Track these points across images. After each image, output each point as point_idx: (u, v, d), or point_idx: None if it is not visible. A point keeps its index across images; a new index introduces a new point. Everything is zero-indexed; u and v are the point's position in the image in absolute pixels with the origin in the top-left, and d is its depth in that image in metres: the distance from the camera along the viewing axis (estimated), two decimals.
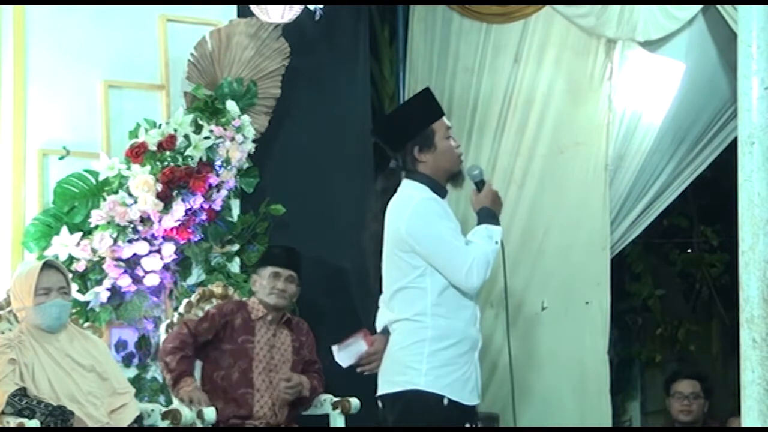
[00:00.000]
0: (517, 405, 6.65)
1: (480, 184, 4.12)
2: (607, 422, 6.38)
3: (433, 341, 3.91)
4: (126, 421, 4.84)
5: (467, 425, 3.96)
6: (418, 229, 3.90)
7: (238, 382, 5.29)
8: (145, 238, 5.52)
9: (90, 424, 4.69)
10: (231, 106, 5.78)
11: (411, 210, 3.93)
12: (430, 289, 3.92)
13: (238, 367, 5.30)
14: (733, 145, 3.89)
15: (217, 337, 5.34)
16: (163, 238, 5.57)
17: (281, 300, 5.38)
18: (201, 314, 5.47)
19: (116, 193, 5.48)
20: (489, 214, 4.02)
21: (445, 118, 4.09)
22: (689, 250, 8.20)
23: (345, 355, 4.12)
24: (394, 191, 4.05)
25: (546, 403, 6.56)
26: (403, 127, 4.06)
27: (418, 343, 3.91)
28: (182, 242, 5.65)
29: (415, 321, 3.93)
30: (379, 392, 4.04)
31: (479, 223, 4.04)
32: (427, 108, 4.09)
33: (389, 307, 4.02)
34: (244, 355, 5.32)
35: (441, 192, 4.02)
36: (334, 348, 4.16)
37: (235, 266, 5.91)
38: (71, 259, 5.39)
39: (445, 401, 3.89)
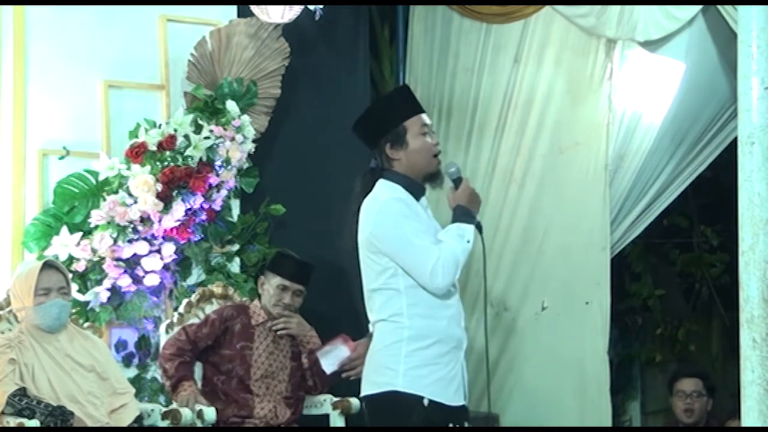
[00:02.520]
0: (517, 405, 6.68)
1: (457, 182, 4.04)
2: (607, 422, 6.38)
3: (410, 341, 3.85)
4: (126, 421, 4.85)
5: (450, 426, 3.90)
6: (382, 230, 3.86)
7: (237, 387, 5.29)
8: (145, 238, 5.52)
9: (90, 424, 4.70)
10: (231, 106, 5.78)
11: (376, 211, 3.88)
12: (404, 290, 3.86)
13: (236, 373, 5.30)
14: (733, 145, 3.89)
15: (217, 343, 5.35)
16: (163, 238, 5.57)
17: (285, 313, 5.39)
18: (201, 315, 5.47)
19: (116, 193, 5.48)
20: (463, 212, 3.94)
21: (424, 116, 3.99)
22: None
23: (327, 361, 4.11)
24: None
25: (546, 403, 6.56)
26: (376, 123, 4.00)
27: (395, 344, 3.86)
28: (182, 242, 5.65)
29: (392, 322, 3.88)
30: (362, 393, 4.00)
31: (453, 221, 3.97)
32: (401, 104, 4.01)
33: (369, 308, 3.99)
34: (243, 361, 5.32)
35: (417, 190, 3.96)
36: (318, 354, 4.18)
37: (235, 266, 5.91)
38: (71, 259, 5.39)
39: (426, 401, 3.83)
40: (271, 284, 5.42)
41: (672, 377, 6.03)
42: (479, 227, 3.98)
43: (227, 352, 5.33)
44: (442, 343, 3.88)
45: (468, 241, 3.88)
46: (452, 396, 3.89)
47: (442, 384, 3.87)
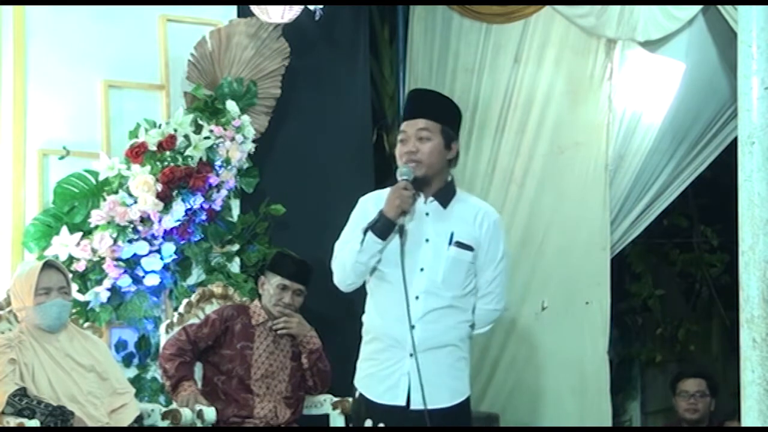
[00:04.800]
0: (517, 405, 6.68)
1: None
2: (607, 422, 6.38)
3: (363, 336, 4.06)
4: (126, 421, 4.85)
5: (369, 423, 3.94)
6: None
7: (237, 387, 5.29)
8: (145, 238, 5.52)
9: (90, 424, 4.70)
10: (231, 106, 5.78)
11: None
12: (370, 286, 4.04)
13: (236, 373, 5.30)
14: (733, 145, 3.89)
15: (217, 343, 5.34)
16: (163, 238, 5.57)
17: (285, 312, 5.38)
18: (201, 315, 5.47)
19: (116, 193, 5.48)
20: (375, 217, 3.95)
21: (406, 123, 4.00)
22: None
23: None
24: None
25: (546, 403, 6.57)
26: None
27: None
28: (182, 242, 5.65)
29: None
30: None
31: None
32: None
33: None
34: (243, 361, 5.31)
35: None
36: None
37: (235, 266, 5.91)
38: (71, 259, 5.39)
39: (356, 393, 4.01)
40: (271, 284, 5.42)
41: (675, 377, 6.03)
42: (401, 230, 3.91)
43: (227, 352, 5.33)
44: (379, 340, 3.97)
45: (361, 243, 3.91)
46: (381, 394, 3.94)
47: (372, 380, 3.96)
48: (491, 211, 4.08)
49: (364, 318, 4.05)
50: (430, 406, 3.86)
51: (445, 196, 4.02)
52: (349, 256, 3.95)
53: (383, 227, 3.89)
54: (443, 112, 4.06)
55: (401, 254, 3.89)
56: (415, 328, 3.88)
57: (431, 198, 3.99)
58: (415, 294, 3.91)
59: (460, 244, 3.97)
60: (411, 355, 3.88)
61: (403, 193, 3.89)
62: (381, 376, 3.94)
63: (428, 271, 3.93)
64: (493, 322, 4.12)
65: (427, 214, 3.98)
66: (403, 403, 3.90)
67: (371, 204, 4.00)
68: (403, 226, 3.91)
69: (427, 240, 3.95)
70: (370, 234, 3.89)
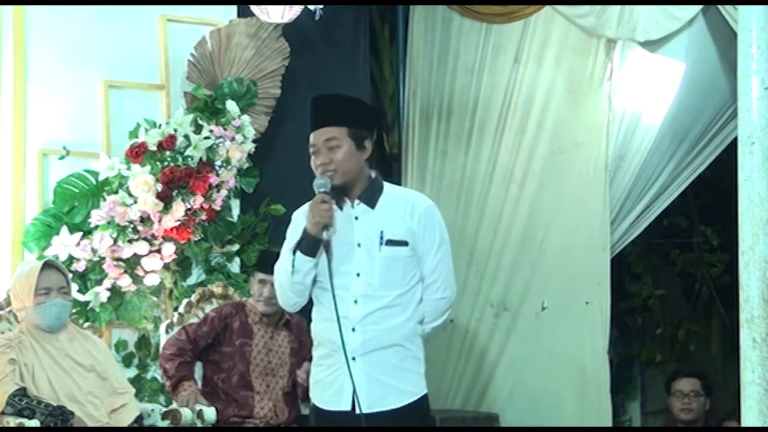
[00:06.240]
0: (517, 405, 6.68)
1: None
2: (607, 422, 6.38)
3: (313, 343, 4.02)
4: (126, 421, 4.85)
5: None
6: None
7: (237, 384, 5.29)
8: (145, 238, 5.52)
9: (90, 424, 4.70)
10: (231, 106, 5.79)
11: None
12: (312, 294, 3.97)
13: (237, 370, 5.30)
14: (733, 145, 3.89)
15: (217, 340, 5.34)
16: (163, 238, 5.57)
17: (268, 307, 5.34)
18: (201, 315, 5.47)
19: (116, 193, 5.48)
20: (300, 235, 3.90)
21: (313, 134, 3.88)
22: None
23: None
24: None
25: (546, 403, 6.56)
26: None
27: None
28: (182, 242, 5.65)
29: None
30: None
31: None
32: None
33: None
34: (242, 358, 5.31)
35: (337, 202, 3.92)
36: None
37: (235, 266, 5.92)
38: (71, 259, 5.40)
39: (311, 402, 3.98)
40: (252, 282, 5.42)
41: (669, 377, 6.03)
42: (326, 245, 3.84)
43: (228, 349, 5.33)
44: (323, 345, 3.93)
45: (292, 265, 3.86)
46: (327, 399, 3.90)
47: (318, 386, 3.94)
48: (421, 200, 3.97)
49: (312, 326, 3.99)
50: (376, 409, 3.81)
51: (371, 195, 3.92)
52: (285, 279, 3.89)
53: (309, 245, 3.84)
54: (347, 115, 3.93)
55: (329, 266, 3.82)
56: (355, 331, 3.83)
57: (357, 201, 3.91)
58: (354, 298, 3.85)
59: (391, 242, 3.87)
60: (353, 359, 3.82)
61: (321, 207, 3.81)
62: (326, 381, 3.89)
63: (364, 276, 3.85)
64: (446, 313, 3.98)
65: (356, 218, 3.90)
66: (348, 408, 3.83)
67: (302, 218, 3.91)
68: (328, 241, 3.83)
69: (359, 244, 3.87)
70: (298, 254, 3.84)
